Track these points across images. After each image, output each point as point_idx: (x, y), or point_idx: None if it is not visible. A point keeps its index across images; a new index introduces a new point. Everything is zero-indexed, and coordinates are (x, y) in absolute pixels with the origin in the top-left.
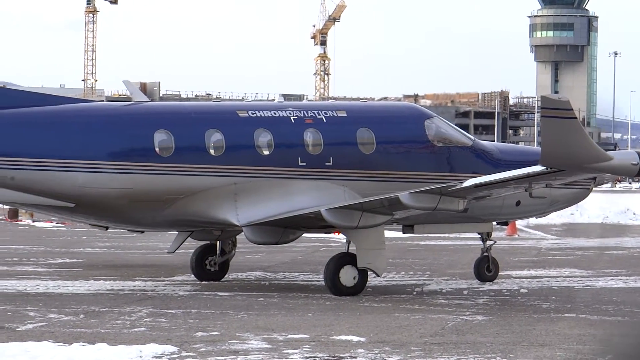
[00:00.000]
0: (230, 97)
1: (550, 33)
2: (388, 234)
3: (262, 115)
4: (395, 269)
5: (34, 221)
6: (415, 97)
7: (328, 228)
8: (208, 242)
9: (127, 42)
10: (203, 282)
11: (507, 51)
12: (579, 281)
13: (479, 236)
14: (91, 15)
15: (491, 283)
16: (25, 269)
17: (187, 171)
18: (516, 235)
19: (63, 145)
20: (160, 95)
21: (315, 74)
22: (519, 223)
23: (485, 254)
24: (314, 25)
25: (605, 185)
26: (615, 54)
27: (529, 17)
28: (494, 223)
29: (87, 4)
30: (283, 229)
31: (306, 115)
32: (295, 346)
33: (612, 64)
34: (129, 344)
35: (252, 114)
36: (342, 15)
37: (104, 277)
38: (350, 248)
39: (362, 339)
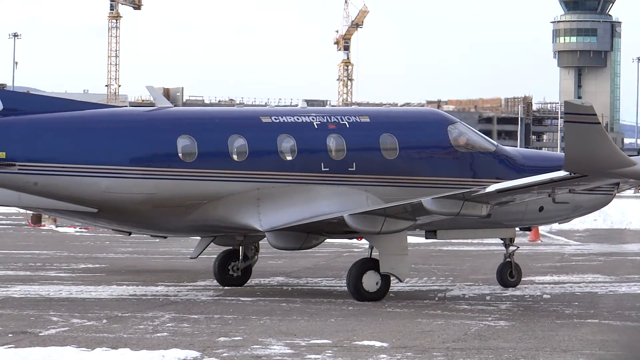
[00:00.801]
0: (254, 103)
1: (574, 39)
2: (411, 239)
3: (285, 120)
4: (417, 275)
5: (57, 226)
6: (439, 103)
7: (351, 233)
8: (231, 247)
9: (151, 48)
10: (226, 288)
11: (530, 57)
12: (602, 287)
13: (502, 242)
14: (114, 20)
15: (514, 289)
16: (48, 274)
17: (210, 176)
18: (539, 241)
19: (86, 151)
20: (184, 100)
21: (338, 79)
22: (542, 229)
23: (508, 259)
24: (337, 31)
25: (628, 191)
26: (639, 59)
27: (552, 22)
28: (517, 229)
29: (111, 10)
30: (306, 235)
31: (329, 120)
32: (317, 351)
33: (636, 70)
34: (151, 349)
35: (275, 119)
36: (365, 21)
37: (126, 283)
38: (373, 253)
39: (385, 345)
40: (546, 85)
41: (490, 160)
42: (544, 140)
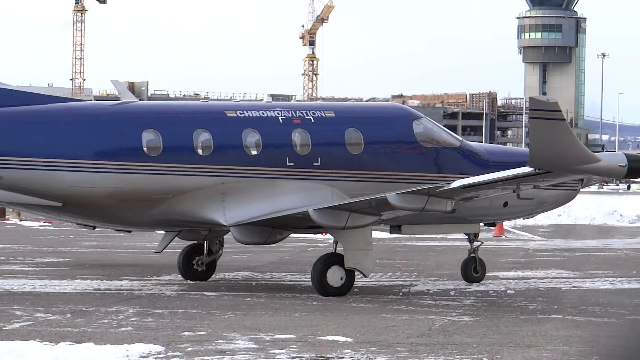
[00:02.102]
0: (219, 97)
1: (539, 34)
2: (375, 234)
3: (250, 115)
4: (382, 270)
5: (21, 220)
6: (402, 98)
7: (316, 228)
8: (195, 241)
9: (116, 42)
10: (190, 282)
11: (495, 52)
12: (565, 282)
13: (467, 237)
14: (80, 14)
15: (478, 284)
16: (12, 267)
17: (175, 171)
18: (503, 237)
19: (51, 145)
20: (149, 94)
21: (303, 74)
22: (506, 224)
23: (473, 255)
24: (303, 26)
25: (592, 187)
26: (604, 55)
27: (517, 18)
28: (482, 224)
29: (76, 3)
30: (271, 229)
31: (294, 115)
32: (282, 346)
33: (600, 66)
34: (115, 344)
35: (240, 114)
36: (330, 16)
37: (91, 277)
38: (337, 248)
39: (349, 340)
40: (511, 81)
41: (455, 155)
42: (509, 136)
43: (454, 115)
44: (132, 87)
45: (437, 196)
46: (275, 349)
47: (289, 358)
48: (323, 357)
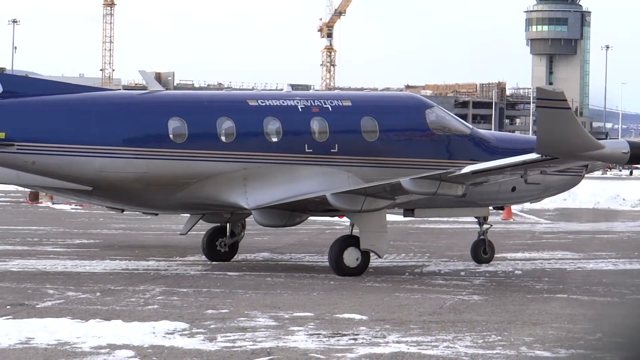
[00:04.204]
0: (241, 87)
1: (545, 27)
2: (390, 217)
3: (271, 104)
4: (396, 251)
5: (53, 204)
6: (415, 88)
7: (333, 212)
8: (218, 224)
9: (144, 34)
10: (213, 263)
11: (504, 44)
12: (570, 263)
13: (476, 220)
14: (109, 8)
15: (487, 265)
16: (44, 249)
17: (200, 157)
18: (511, 220)
19: (82, 132)
20: (175, 84)
21: (321, 65)
22: (514, 208)
23: (482, 237)
24: (321, 19)
25: (596, 172)
26: (607, 47)
27: (525, 12)
28: (491, 208)
29: None
30: (290, 212)
31: (313, 104)
32: (300, 324)
33: (604, 57)
34: (142, 321)
35: (262, 102)
36: (348, 9)
37: (119, 257)
38: (353, 231)
39: (364, 317)
40: (519, 72)
41: (466, 142)
42: (517, 124)
43: (464, 104)
44: (159, 77)
45: (449, 181)
46: (294, 326)
47: (307, 335)
48: (339, 333)
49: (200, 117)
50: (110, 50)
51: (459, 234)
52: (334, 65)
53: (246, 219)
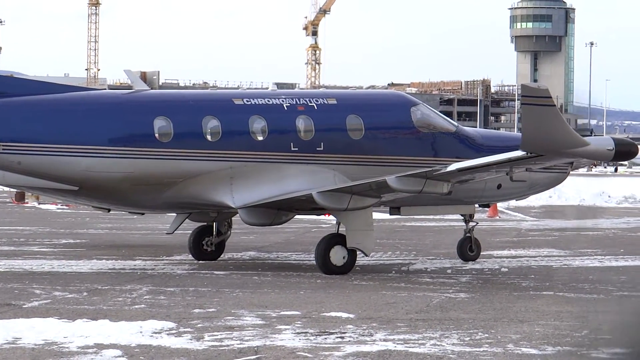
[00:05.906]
0: (226, 86)
1: (530, 24)
2: (376, 215)
3: (257, 102)
4: (382, 249)
5: (39, 204)
6: (400, 86)
7: (319, 210)
8: (205, 223)
9: (129, 33)
10: (200, 262)
11: (488, 42)
12: (556, 261)
13: (462, 218)
14: (94, 7)
15: (473, 262)
16: (31, 249)
17: (185, 156)
18: (497, 217)
19: (68, 132)
20: (160, 83)
21: (306, 63)
22: (500, 205)
23: (468, 234)
24: (306, 17)
25: (581, 170)
26: (591, 44)
27: (509, 9)
28: (476, 205)
29: None
30: (276, 211)
31: (298, 102)
32: (287, 322)
33: (589, 54)
34: (129, 320)
35: (247, 101)
36: (333, 7)
37: (106, 257)
38: (340, 229)
39: (351, 316)
40: (504, 69)
41: (451, 140)
42: (502, 121)
43: (449, 102)
44: (144, 76)
45: (434, 179)
46: (281, 325)
47: (295, 333)
48: (326, 332)
49: (185, 117)
50: (95, 49)
51: (445, 231)
52: (319, 64)
53: (232, 218)
